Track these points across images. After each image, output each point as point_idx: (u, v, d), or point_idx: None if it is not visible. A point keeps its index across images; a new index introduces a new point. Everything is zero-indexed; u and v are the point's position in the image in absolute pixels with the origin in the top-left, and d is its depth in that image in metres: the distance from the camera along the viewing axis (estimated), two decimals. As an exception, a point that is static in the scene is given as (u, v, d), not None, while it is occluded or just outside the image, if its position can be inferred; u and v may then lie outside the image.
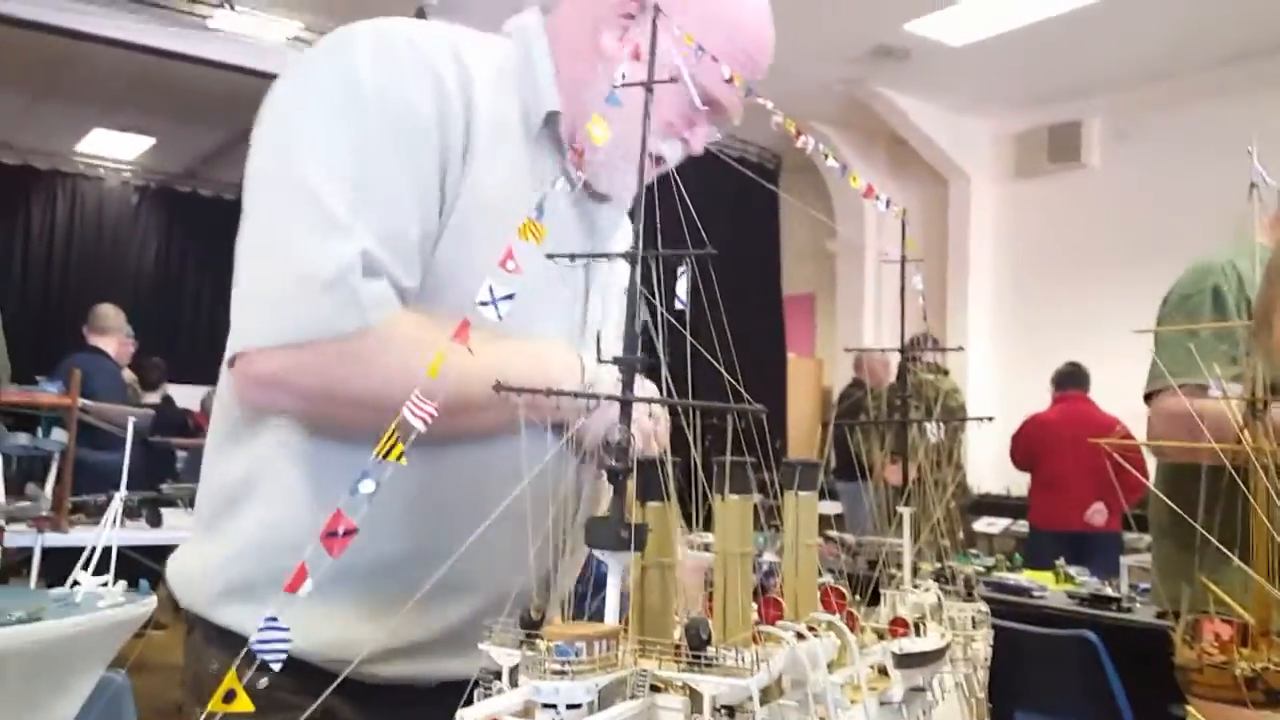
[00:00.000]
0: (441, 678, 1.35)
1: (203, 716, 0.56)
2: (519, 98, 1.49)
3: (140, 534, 5.20)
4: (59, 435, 5.38)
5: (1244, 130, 1.77)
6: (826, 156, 1.46)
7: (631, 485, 0.96)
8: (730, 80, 1.30)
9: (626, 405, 0.97)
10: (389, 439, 0.69)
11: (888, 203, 1.62)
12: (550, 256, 0.98)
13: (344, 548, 0.67)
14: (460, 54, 1.42)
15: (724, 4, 1.49)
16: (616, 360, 0.97)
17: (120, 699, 1.95)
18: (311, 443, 1.37)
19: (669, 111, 1.47)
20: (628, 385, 0.97)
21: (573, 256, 0.95)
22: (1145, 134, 9.09)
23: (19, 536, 5.00)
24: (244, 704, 0.58)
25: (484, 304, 0.79)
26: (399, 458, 0.70)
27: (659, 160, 1.51)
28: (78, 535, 5.17)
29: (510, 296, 0.82)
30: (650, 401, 0.96)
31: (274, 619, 0.62)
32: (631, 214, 1.56)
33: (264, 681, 1.36)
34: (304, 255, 1.27)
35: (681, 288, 0.92)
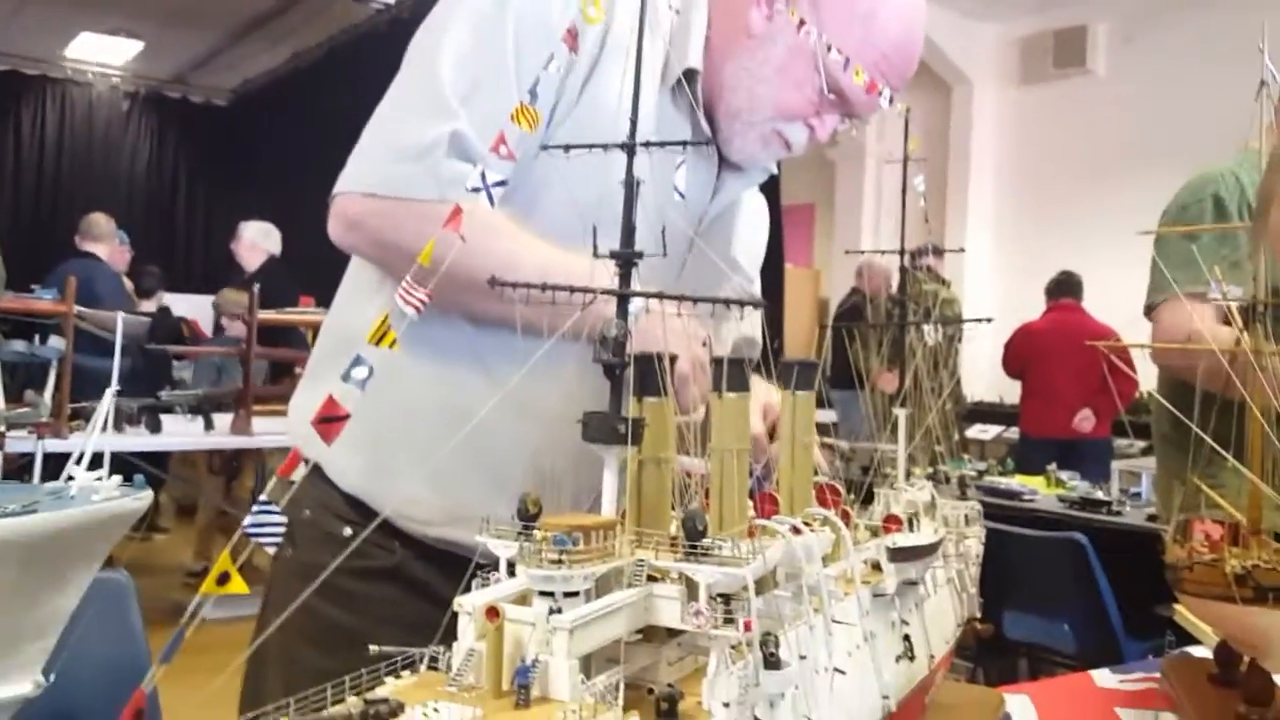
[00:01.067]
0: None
1: (194, 601, 0.56)
2: (664, 43, 1.57)
3: (140, 440, 5.23)
4: (56, 342, 5.37)
5: (1252, 34, 1.73)
6: (830, 49, 1.43)
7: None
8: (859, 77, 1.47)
9: (623, 300, 0.96)
10: (381, 324, 0.69)
11: (891, 100, 1.58)
12: (545, 148, 0.97)
13: (336, 433, 0.66)
14: None
15: (873, 4, 1.55)
16: (613, 254, 0.95)
17: (124, 598, 1.97)
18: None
19: (798, 94, 1.57)
20: (624, 280, 0.96)
21: (567, 147, 0.93)
22: (1151, 39, 8.91)
23: (19, 442, 5.04)
24: (238, 586, 0.59)
25: (474, 190, 0.77)
26: (392, 345, 0.69)
27: (787, 143, 1.62)
28: (77, 440, 5.19)
29: (504, 183, 0.80)
30: (649, 296, 0.95)
31: (266, 504, 0.62)
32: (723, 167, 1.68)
33: (348, 530, 1.54)
34: (406, 124, 1.44)
35: (680, 178, 0.90)
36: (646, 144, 0.90)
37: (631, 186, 0.94)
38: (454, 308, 1.47)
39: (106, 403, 0.97)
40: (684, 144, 0.89)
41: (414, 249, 1.32)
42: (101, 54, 12.05)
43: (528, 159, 1.41)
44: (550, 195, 1.43)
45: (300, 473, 0.67)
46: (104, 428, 1.00)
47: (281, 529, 0.62)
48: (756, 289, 1.90)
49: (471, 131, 1.41)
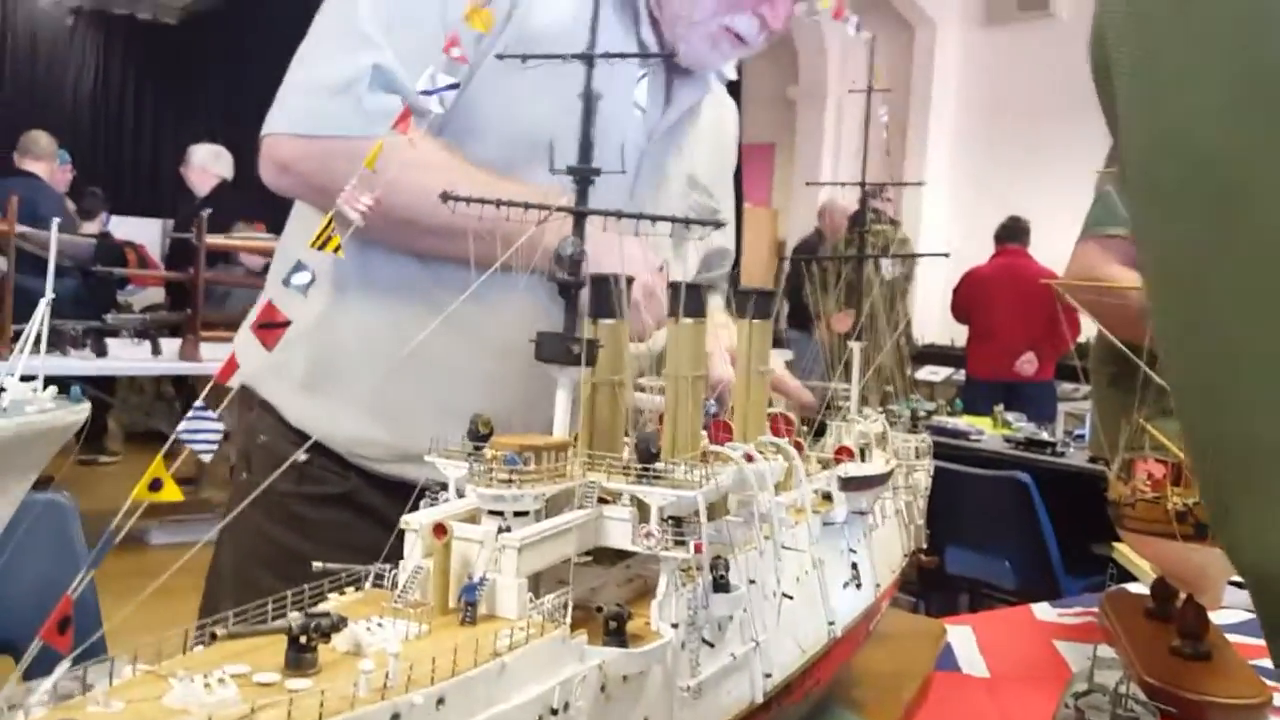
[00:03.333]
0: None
1: (126, 504, 0.54)
2: None
3: (86, 364, 5.13)
4: (-3, 262, 5.22)
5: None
6: (796, -29, 1.40)
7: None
8: None
9: (580, 218, 0.94)
10: (324, 228, 0.66)
11: (857, 26, 1.56)
12: (500, 57, 0.94)
13: (276, 340, 0.64)
14: None
15: None
16: (570, 170, 0.93)
17: (66, 520, 1.94)
18: (365, 248, 1.50)
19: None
20: (581, 196, 0.94)
21: (524, 57, 0.90)
22: (1116, -16, 8.88)
23: (-42, 363, 4.92)
24: (172, 493, 0.57)
25: (425, 93, 0.75)
26: (336, 250, 0.66)
27: (739, 38, 1.56)
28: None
29: (455, 86, 0.77)
30: (606, 214, 0.92)
31: (202, 410, 0.60)
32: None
33: (304, 456, 1.51)
34: (326, 60, 1.42)
35: (641, 92, 0.88)
36: (606, 55, 0.87)
37: (590, 100, 0.91)
38: (399, 245, 1.46)
39: (40, 314, 0.94)
40: (645, 55, 0.86)
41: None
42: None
43: (464, 78, 1.39)
44: (487, 118, 1.41)
45: (238, 379, 0.64)
46: (38, 340, 0.96)
47: (217, 436, 0.60)
48: (723, 204, 1.86)
49: (395, 62, 1.38)
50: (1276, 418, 0.54)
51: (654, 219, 0.91)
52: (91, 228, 7.72)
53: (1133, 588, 1.94)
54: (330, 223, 0.67)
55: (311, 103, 1.41)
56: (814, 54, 10.04)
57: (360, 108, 1.36)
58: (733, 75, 1.73)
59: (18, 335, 3.84)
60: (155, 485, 0.56)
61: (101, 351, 5.21)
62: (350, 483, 1.57)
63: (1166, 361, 0.64)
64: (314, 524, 1.56)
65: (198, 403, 0.58)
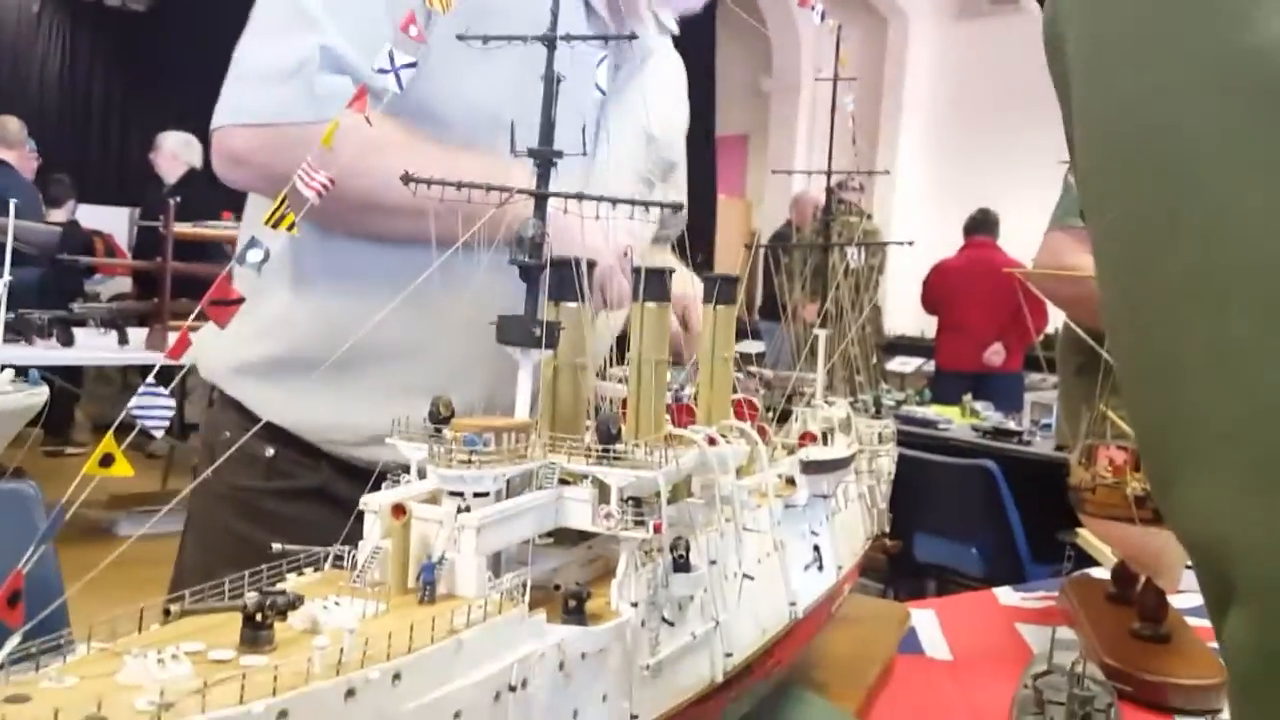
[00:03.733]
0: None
1: (77, 480, 0.54)
2: None
3: (52, 353, 5.07)
4: (-40, 250, 5.15)
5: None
6: None
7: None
8: None
9: (541, 200, 0.94)
10: (278, 206, 0.66)
11: (823, 15, 1.57)
12: (460, 38, 0.93)
13: (229, 317, 0.64)
14: None
15: None
16: (531, 152, 0.93)
17: (30, 509, 1.93)
18: (326, 236, 1.47)
19: None
20: (543, 179, 0.94)
21: (485, 39, 0.90)
22: (1087, -23, 8.95)
23: (-79, 347, 4.86)
24: (123, 468, 0.56)
25: (381, 71, 0.74)
26: (290, 228, 0.66)
27: None
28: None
29: (413, 64, 0.77)
30: (567, 197, 0.93)
31: (154, 386, 0.59)
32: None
33: (270, 450, 1.51)
34: (271, 45, 1.38)
35: (601, 75, 0.88)
36: (568, 37, 0.87)
37: (551, 83, 0.92)
38: (363, 230, 1.44)
39: (-2, 294, 0.93)
40: (608, 38, 0.86)
41: None
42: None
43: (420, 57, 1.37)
44: (444, 96, 1.38)
45: (189, 357, 0.64)
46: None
47: (167, 412, 0.60)
48: (679, 157, 1.81)
49: (343, 42, 1.35)
50: (1219, 397, 0.55)
51: (614, 202, 0.91)
52: (59, 215, 7.63)
53: (1094, 572, 1.97)
54: (284, 200, 0.67)
55: (260, 91, 1.37)
56: (787, 45, 10.07)
57: (312, 92, 1.32)
58: (674, 29, 1.69)
59: (-17, 321, 3.74)
60: (106, 461, 0.56)
61: (68, 341, 5.16)
62: (322, 474, 1.54)
63: (1113, 341, 0.65)
64: (286, 519, 1.52)
65: (149, 379, 0.58)
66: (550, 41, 0.88)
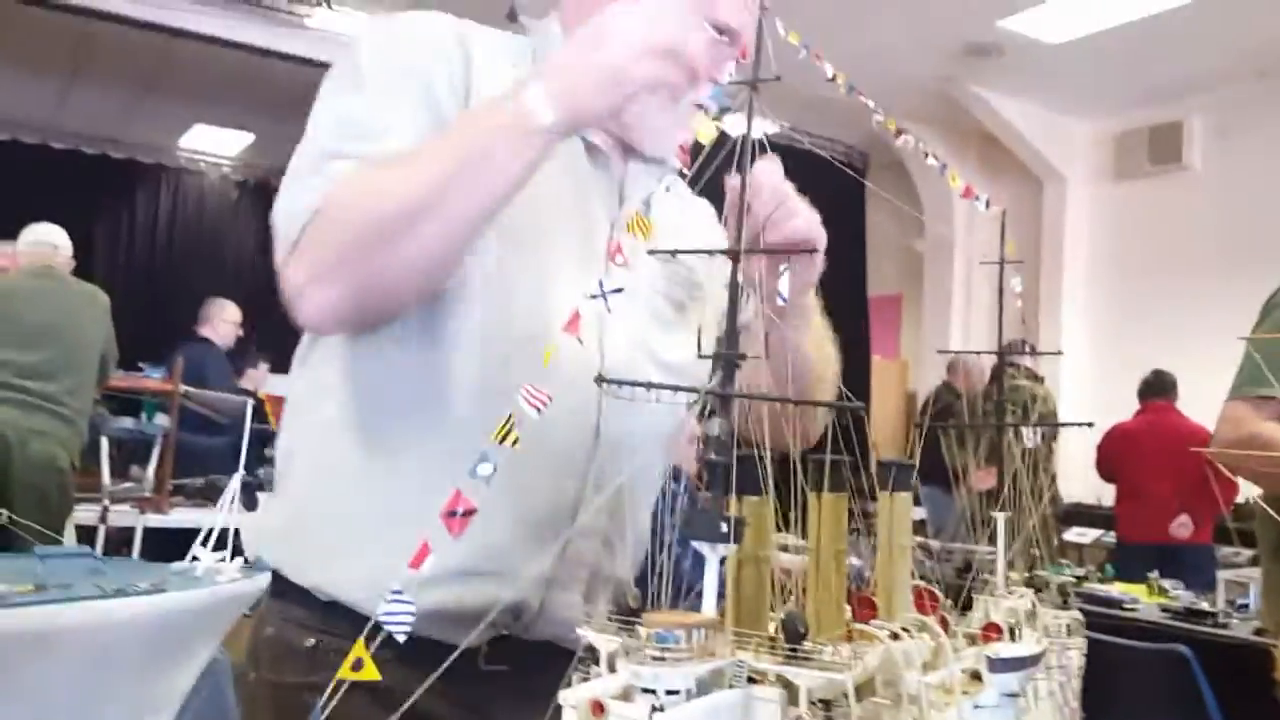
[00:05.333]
0: (477, 605, 1.33)
1: (331, 683, 0.59)
2: (512, 52, 1.51)
3: (236, 517, 5.35)
4: (161, 419, 5.57)
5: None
6: (926, 155, 1.45)
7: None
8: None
9: (726, 400, 0.99)
10: (506, 424, 0.72)
11: (987, 203, 1.60)
12: (652, 253, 1.00)
13: (464, 527, 0.69)
14: (462, 28, 1.47)
15: None
16: (718, 356, 0.98)
17: (220, 677, 2.01)
18: (353, 417, 1.46)
19: (694, 58, 1.39)
20: (728, 380, 0.98)
21: (674, 252, 0.96)
22: (1250, 133, 8.76)
23: (122, 517, 5.22)
24: (371, 673, 0.61)
25: (594, 296, 0.81)
26: (514, 443, 0.72)
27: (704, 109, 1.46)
28: (177, 516, 5.38)
29: (620, 290, 0.84)
30: (751, 398, 0.97)
31: (398, 592, 0.64)
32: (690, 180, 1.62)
33: (311, 640, 1.43)
34: (300, 181, 1.36)
35: (784, 285, 0.93)
36: (753, 250, 0.92)
37: (736, 290, 0.97)
38: (380, 286, 1.33)
39: (234, 484, 1.02)
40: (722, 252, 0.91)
41: (357, 234, 1.28)
42: (214, 145, 12.68)
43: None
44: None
45: (428, 566, 0.69)
46: (230, 508, 1.05)
47: (410, 618, 0.64)
48: (702, 275, 1.66)
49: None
50: None
51: (795, 402, 0.95)
52: (247, 384, 8.17)
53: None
54: (511, 419, 0.72)
55: (293, 223, 1.35)
56: (940, 217, 10.11)
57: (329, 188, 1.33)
58: (677, 165, 1.69)
59: (175, 489, 4.06)
60: (357, 666, 0.61)
61: (251, 505, 5.45)
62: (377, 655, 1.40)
63: None
64: (331, 715, 1.36)
65: (395, 585, 0.63)
66: (734, 255, 0.94)
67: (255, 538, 1.55)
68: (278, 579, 1.41)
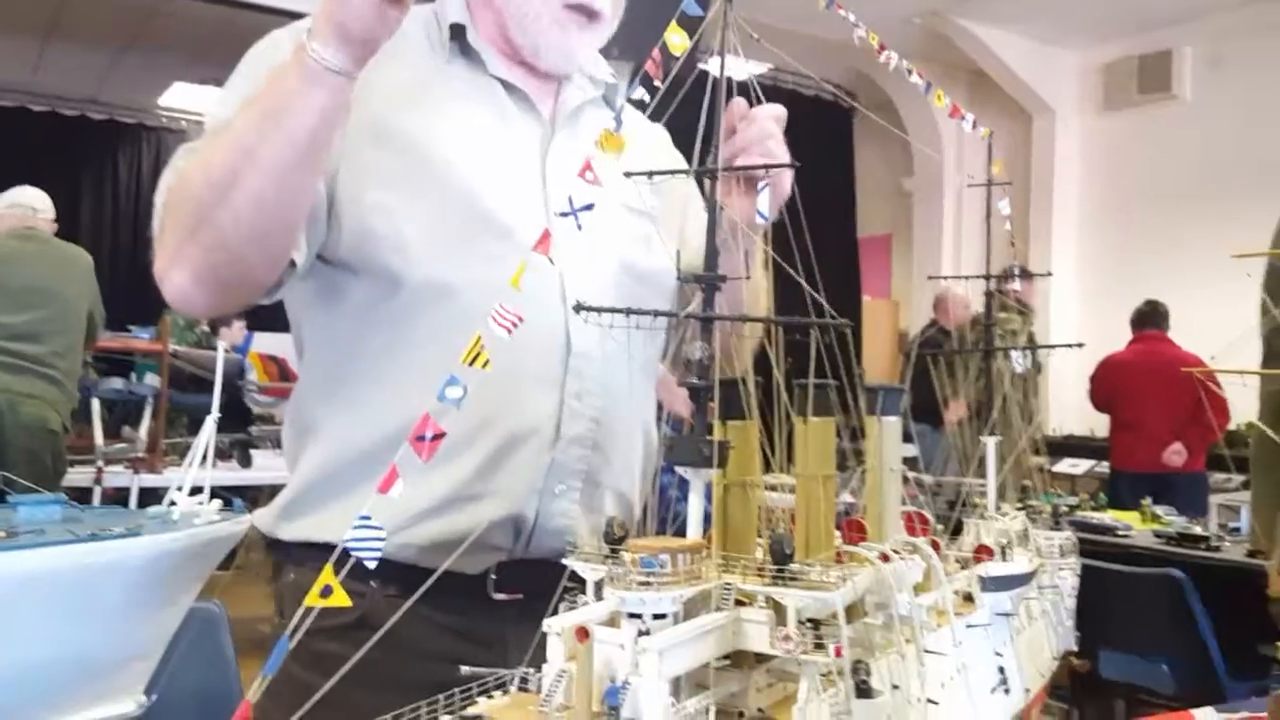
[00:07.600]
0: (473, 530, 1.35)
1: (298, 612, 0.57)
2: (420, 20, 1.51)
3: (232, 474, 5.37)
4: (152, 380, 5.55)
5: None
6: (910, 72, 1.42)
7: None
8: None
9: (708, 322, 0.97)
10: (474, 345, 0.70)
11: (974, 124, 1.57)
12: (628, 175, 0.97)
13: (434, 451, 0.67)
14: None
15: None
16: (698, 278, 0.96)
17: (216, 628, 2.02)
18: (335, 376, 1.47)
19: None
20: (708, 303, 0.96)
21: (650, 174, 0.94)
22: (1239, 62, 8.68)
23: (116, 477, 5.21)
24: (340, 599, 0.60)
25: (562, 215, 0.79)
26: (485, 365, 0.70)
27: (585, 10, 1.47)
28: (171, 475, 5.38)
29: (590, 207, 0.81)
30: (736, 319, 0.95)
31: (367, 519, 0.63)
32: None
33: (292, 575, 1.48)
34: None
35: (763, 201, 0.91)
36: (725, 169, 0.90)
37: (715, 210, 0.95)
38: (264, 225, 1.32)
39: (208, 430, 1.00)
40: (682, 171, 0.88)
41: (192, 213, 1.32)
42: (194, 103, 12.51)
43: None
44: (365, 187, 1.41)
45: (397, 489, 0.67)
46: (205, 455, 1.03)
47: (380, 544, 0.63)
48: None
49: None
50: None
51: (778, 322, 0.93)
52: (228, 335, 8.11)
53: (1305, 691, 1.81)
54: (479, 340, 0.70)
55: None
56: (928, 145, 10.03)
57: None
58: (609, 77, 1.61)
59: (168, 449, 4.06)
60: (325, 592, 0.59)
61: (246, 462, 5.46)
62: (365, 603, 1.38)
63: None
64: (333, 659, 1.32)
65: (361, 511, 0.62)
66: (712, 175, 0.91)
67: (275, 510, 1.57)
68: (300, 545, 1.47)
